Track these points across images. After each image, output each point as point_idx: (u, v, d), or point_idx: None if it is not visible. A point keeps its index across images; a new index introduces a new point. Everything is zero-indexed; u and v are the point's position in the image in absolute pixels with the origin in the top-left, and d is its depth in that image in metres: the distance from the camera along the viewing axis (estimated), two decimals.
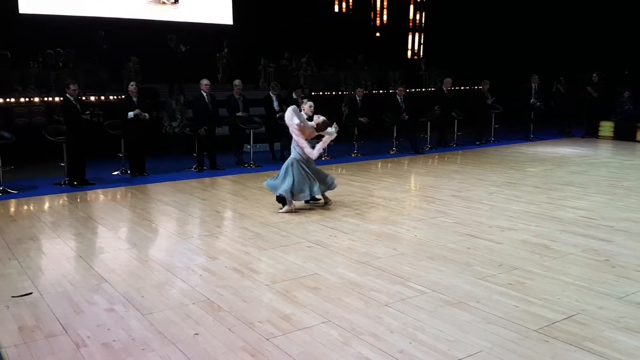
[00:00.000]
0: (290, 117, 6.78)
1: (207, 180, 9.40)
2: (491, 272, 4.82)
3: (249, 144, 10.67)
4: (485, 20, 18.73)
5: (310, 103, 7.29)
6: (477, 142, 13.46)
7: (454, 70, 16.23)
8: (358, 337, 3.64)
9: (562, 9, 18.27)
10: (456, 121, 13.20)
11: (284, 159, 11.10)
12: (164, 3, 14.57)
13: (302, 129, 6.85)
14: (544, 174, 9.51)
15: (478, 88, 14.24)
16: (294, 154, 6.99)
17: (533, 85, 14.04)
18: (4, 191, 8.06)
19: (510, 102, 14.30)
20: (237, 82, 10.69)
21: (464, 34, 18.79)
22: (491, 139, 13.74)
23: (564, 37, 18.25)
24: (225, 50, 14.59)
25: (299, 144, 6.87)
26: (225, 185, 8.86)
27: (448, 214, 6.84)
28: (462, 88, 16.98)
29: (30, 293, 4.42)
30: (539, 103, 14.08)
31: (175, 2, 14.69)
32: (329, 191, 7.33)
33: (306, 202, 7.28)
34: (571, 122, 15.00)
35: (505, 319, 3.88)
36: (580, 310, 4.01)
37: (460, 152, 12.45)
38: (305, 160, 6.96)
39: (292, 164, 6.92)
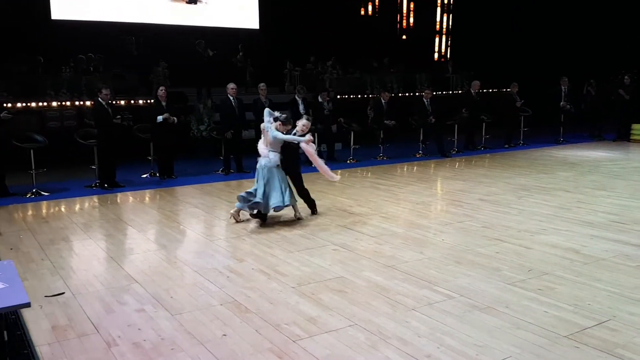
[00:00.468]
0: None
1: (233, 183, 9.48)
2: (520, 277, 4.75)
3: None
4: (514, 21, 18.50)
5: (305, 122, 6.89)
6: (506, 145, 13.28)
7: (482, 72, 16.06)
8: (385, 340, 3.62)
9: (592, 10, 17.92)
10: (484, 124, 13.05)
11: (309, 162, 11.15)
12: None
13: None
14: (575, 178, 9.33)
15: (507, 90, 14.06)
16: (275, 159, 6.57)
17: (563, 87, 13.80)
18: (37, 193, 8.26)
19: (540, 105, 14.08)
20: (262, 85, 10.77)
21: (491, 36, 18.59)
22: (520, 142, 13.55)
23: (594, 39, 17.90)
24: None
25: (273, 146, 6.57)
26: (251, 187, 8.90)
27: (476, 218, 6.76)
28: (491, 91, 16.79)
29: (63, 293, 4.52)
30: (569, 106, 13.83)
31: (190, 2, 14.77)
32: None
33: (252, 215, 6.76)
34: (602, 125, 14.69)
35: (535, 325, 3.82)
36: (611, 316, 3.93)
37: (488, 155, 12.31)
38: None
39: (278, 171, 6.59)
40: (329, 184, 9.11)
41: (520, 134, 13.61)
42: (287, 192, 6.57)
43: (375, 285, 4.60)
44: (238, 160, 10.33)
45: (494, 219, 6.70)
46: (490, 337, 3.65)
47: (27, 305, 2.66)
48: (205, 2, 15.09)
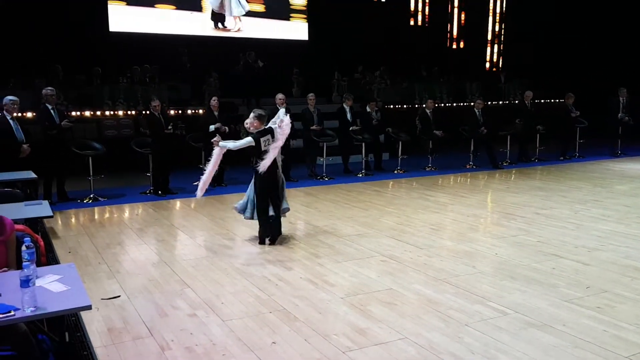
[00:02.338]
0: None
1: None
2: (578, 294, 4.57)
3: (322, 156, 10.77)
4: (569, 30, 17.96)
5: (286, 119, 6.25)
6: (561, 158, 12.85)
7: (536, 82, 15.65)
8: (437, 356, 3.55)
9: None
10: (538, 135, 12.68)
11: (348, 171, 11.16)
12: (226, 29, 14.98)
13: None
14: (634, 192, 8.92)
15: (561, 101, 13.63)
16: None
17: (621, 99, 13.25)
18: (94, 198, 8.57)
19: (597, 116, 13.56)
20: (310, 95, 10.85)
21: (545, 45, 18.11)
22: (576, 155, 13.08)
23: None
24: (296, 70, 14.82)
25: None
26: (298, 197, 8.97)
27: (531, 232, 6.56)
28: (544, 101, 16.32)
29: (119, 296, 4.66)
30: (627, 117, 13.27)
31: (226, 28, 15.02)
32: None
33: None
34: None
35: (594, 344, 3.66)
36: None
37: (541, 167, 11.94)
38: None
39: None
40: (377, 195, 9.06)
41: (575, 146, 13.15)
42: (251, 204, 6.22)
43: (426, 299, 4.52)
44: (285, 169, 10.39)
45: (549, 233, 6.48)
46: (546, 356, 3.52)
47: (89, 307, 2.74)
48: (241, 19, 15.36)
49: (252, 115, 6.10)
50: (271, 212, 6.17)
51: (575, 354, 3.55)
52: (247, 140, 5.95)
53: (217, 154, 6.10)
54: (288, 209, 6.43)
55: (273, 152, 5.96)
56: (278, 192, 6.18)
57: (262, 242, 6.20)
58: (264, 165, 5.87)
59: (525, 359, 3.49)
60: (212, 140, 6.18)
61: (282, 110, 6.37)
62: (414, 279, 4.99)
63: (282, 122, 6.09)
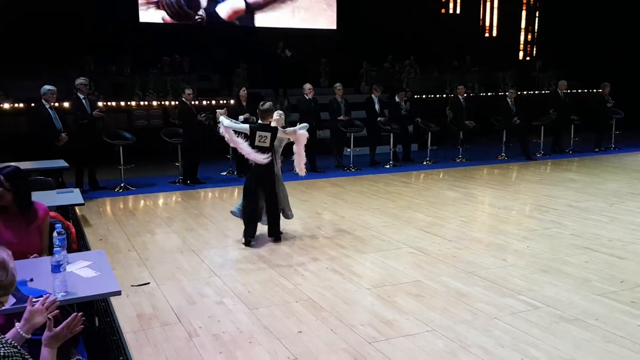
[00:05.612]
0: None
1: (306, 182, 9.52)
2: (612, 288, 4.44)
3: (350, 147, 10.71)
4: (605, 18, 17.39)
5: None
6: (596, 149, 12.49)
7: (571, 71, 15.21)
8: (466, 349, 3.49)
9: None
10: (573, 126, 12.35)
11: (375, 162, 11.05)
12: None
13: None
14: None
15: (597, 91, 13.23)
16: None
17: None
18: (125, 187, 8.71)
19: (634, 107, 13.13)
20: (338, 85, 10.77)
21: (581, 34, 17.58)
22: (611, 146, 12.69)
23: None
24: (323, 60, 14.73)
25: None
26: (325, 187, 8.95)
27: (564, 225, 6.40)
28: (580, 91, 15.88)
29: (148, 283, 4.72)
30: None
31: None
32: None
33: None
34: None
35: (627, 339, 3.56)
36: None
37: (576, 159, 11.64)
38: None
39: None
40: (405, 186, 8.97)
41: (611, 137, 12.77)
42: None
43: (454, 291, 4.45)
44: (312, 159, 10.36)
45: (583, 226, 6.31)
46: (578, 350, 3.43)
47: (118, 293, 2.78)
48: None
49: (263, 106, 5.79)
50: (264, 219, 5.91)
51: (607, 348, 3.45)
52: (244, 127, 5.72)
53: (228, 138, 5.67)
54: (287, 215, 6.08)
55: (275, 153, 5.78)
56: (272, 191, 5.84)
57: (246, 244, 5.78)
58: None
59: (556, 353, 3.41)
60: (216, 112, 5.88)
61: (304, 125, 6.02)
62: (442, 271, 4.92)
63: (294, 133, 5.82)
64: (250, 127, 5.72)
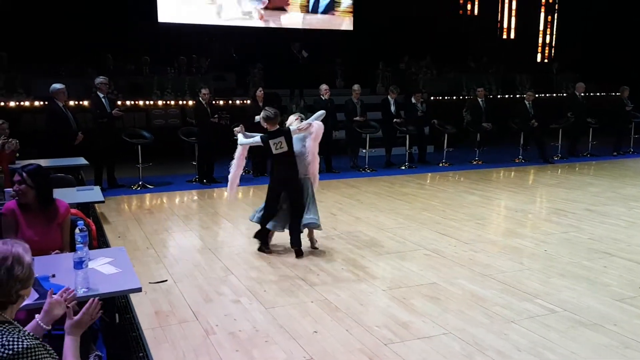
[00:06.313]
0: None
1: (321, 182, 9.48)
2: (631, 293, 4.40)
3: (365, 148, 10.71)
4: (623, 21, 17.15)
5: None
6: (614, 153, 12.34)
7: (589, 74, 15.04)
8: (482, 352, 3.48)
9: None
10: (591, 129, 12.21)
11: (390, 164, 11.02)
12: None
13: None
14: None
15: (616, 94, 13.07)
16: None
17: None
18: (142, 186, 8.80)
19: None
20: (356, 87, 10.78)
21: (599, 36, 17.37)
22: (630, 150, 12.54)
23: None
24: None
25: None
26: (340, 188, 8.95)
27: (582, 229, 6.34)
28: (598, 94, 15.69)
29: (166, 280, 4.77)
30: None
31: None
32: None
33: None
34: None
35: None
36: None
37: (594, 162, 11.51)
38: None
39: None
40: (420, 188, 8.95)
41: (630, 141, 12.60)
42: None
43: (471, 294, 4.43)
44: (327, 160, 10.40)
45: (601, 230, 6.25)
46: (596, 356, 3.40)
47: (139, 290, 2.82)
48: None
49: (261, 115, 5.51)
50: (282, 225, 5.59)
51: (626, 354, 3.42)
52: (255, 140, 5.46)
53: (239, 152, 5.59)
54: (314, 224, 5.53)
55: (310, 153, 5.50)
56: (297, 199, 5.51)
57: (260, 249, 5.59)
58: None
59: (573, 358, 3.39)
60: (233, 130, 5.77)
61: (319, 112, 5.73)
62: (459, 274, 4.90)
63: (309, 126, 5.47)
64: (261, 139, 5.39)
